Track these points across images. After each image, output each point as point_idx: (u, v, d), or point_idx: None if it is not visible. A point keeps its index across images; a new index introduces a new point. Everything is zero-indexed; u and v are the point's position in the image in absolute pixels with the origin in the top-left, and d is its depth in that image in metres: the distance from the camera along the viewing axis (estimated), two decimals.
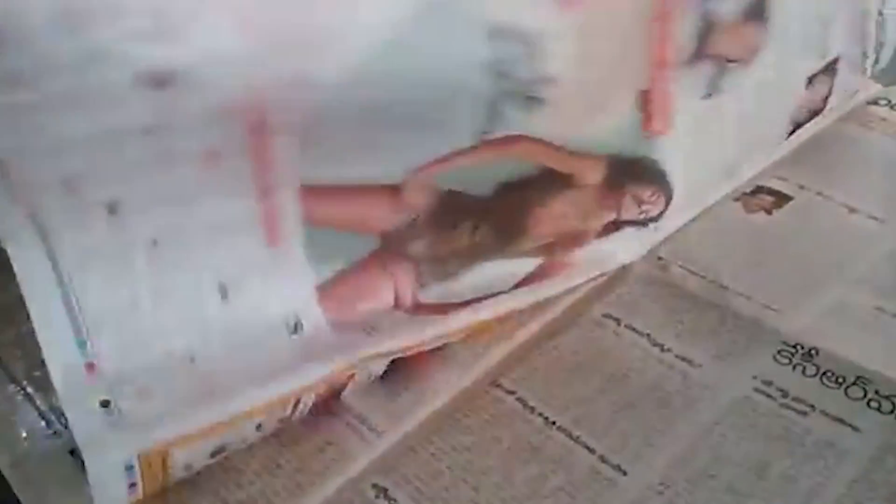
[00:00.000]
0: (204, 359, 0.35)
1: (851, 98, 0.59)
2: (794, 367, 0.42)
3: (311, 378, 0.38)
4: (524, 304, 0.44)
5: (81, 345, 0.33)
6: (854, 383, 0.41)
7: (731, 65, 0.46)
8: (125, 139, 0.31)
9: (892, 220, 0.51)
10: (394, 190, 0.38)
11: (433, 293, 0.42)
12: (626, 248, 0.48)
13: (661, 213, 0.47)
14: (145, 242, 0.33)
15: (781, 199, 0.53)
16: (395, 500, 0.38)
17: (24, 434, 0.41)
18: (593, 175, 0.43)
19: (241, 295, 0.36)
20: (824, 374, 0.41)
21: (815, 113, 0.56)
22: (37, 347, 0.36)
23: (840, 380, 0.41)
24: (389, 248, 0.40)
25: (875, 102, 0.60)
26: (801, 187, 0.54)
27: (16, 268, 0.31)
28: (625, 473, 0.38)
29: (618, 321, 0.45)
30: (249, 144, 0.34)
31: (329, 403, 0.41)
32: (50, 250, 0.32)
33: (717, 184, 0.52)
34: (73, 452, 0.39)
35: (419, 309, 0.41)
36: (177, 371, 0.35)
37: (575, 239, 0.45)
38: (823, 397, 0.40)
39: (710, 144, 0.48)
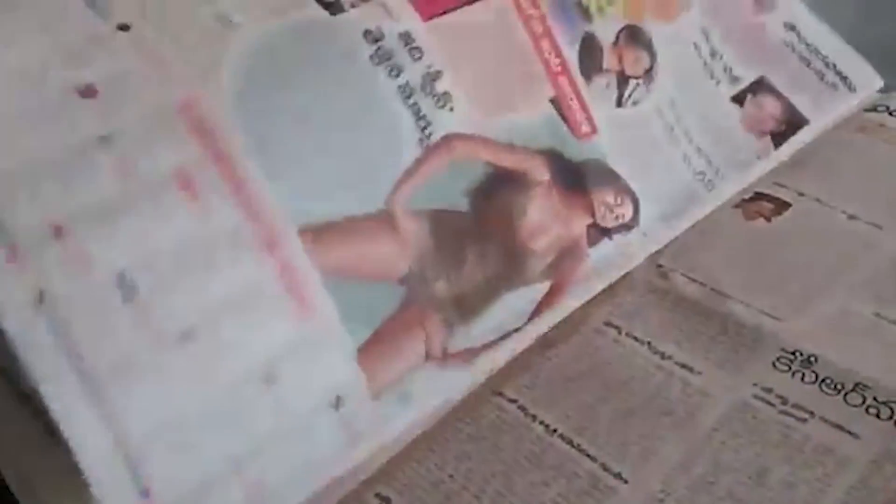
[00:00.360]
0: (253, 463, 0.34)
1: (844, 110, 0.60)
2: (793, 374, 0.42)
3: (350, 465, 0.37)
4: (539, 332, 0.45)
5: (136, 474, 0.32)
6: (853, 390, 0.41)
7: (632, 81, 0.51)
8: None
9: (892, 226, 0.51)
10: (385, 222, 0.40)
11: (459, 340, 0.42)
12: (623, 257, 0.48)
13: (635, 217, 0.49)
14: (175, 337, 0.33)
15: (781, 205, 0.53)
16: None
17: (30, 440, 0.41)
18: (539, 171, 0.46)
19: (287, 377, 0.35)
20: (823, 380, 0.42)
21: (794, 126, 0.57)
22: None
23: (839, 386, 0.41)
24: (416, 297, 0.40)
25: (873, 109, 0.61)
26: (801, 194, 0.54)
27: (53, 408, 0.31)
28: (625, 481, 0.39)
29: (618, 329, 0.46)
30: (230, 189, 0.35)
31: None
32: (83, 374, 0.31)
33: (697, 196, 0.52)
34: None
35: (447, 359, 0.41)
36: (228, 483, 0.34)
37: (572, 251, 0.46)
38: (822, 404, 0.41)
39: (654, 155, 0.51)
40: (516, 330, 0.44)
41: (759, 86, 0.58)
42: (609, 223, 0.48)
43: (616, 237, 0.48)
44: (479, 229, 0.43)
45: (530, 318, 0.45)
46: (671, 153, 0.52)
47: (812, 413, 0.40)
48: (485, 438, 0.41)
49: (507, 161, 0.45)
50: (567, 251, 0.46)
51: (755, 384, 0.42)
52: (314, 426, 0.36)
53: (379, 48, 0.41)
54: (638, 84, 0.52)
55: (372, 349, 0.38)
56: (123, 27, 0.36)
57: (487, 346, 0.43)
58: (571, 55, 0.49)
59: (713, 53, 0.58)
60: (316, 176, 0.38)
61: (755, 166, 0.55)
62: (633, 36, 0.52)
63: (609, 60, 0.51)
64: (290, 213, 0.36)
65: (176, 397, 0.33)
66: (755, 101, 0.57)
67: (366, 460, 0.40)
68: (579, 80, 0.48)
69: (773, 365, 0.43)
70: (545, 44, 0.48)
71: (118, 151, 0.34)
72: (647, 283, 0.48)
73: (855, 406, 0.41)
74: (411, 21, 0.43)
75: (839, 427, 0.40)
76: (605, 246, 0.48)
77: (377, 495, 0.39)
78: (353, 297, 0.38)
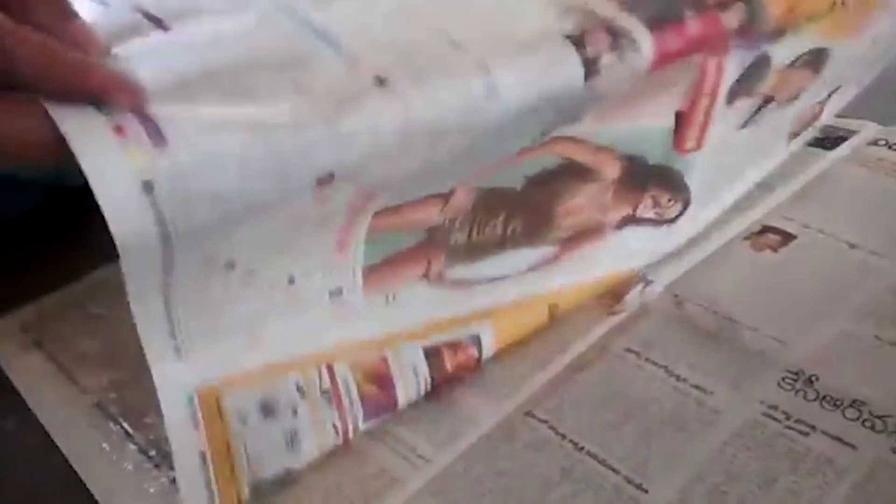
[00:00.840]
0: (262, 328, 0.41)
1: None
2: (796, 393, 0.47)
3: (333, 341, 0.43)
4: (538, 289, 0.49)
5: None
6: (850, 405, 0.46)
7: (771, 104, 0.51)
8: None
9: (892, 254, 0.55)
10: (443, 197, 0.44)
11: (458, 273, 0.47)
12: (638, 247, 0.53)
13: (676, 217, 0.52)
14: (222, 266, 0.38)
15: (787, 237, 0.58)
16: None
17: (129, 467, 0.47)
18: (612, 170, 0.47)
19: (305, 282, 0.41)
20: (824, 398, 0.46)
21: (808, 124, 0.61)
22: (130, 392, 0.43)
23: (838, 402, 0.46)
24: (433, 241, 0.45)
25: (875, 143, 0.65)
26: (805, 226, 0.58)
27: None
28: (646, 491, 0.43)
29: (638, 354, 0.50)
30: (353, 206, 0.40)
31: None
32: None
33: (725, 190, 0.57)
34: (175, 482, 0.45)
35: (441, 282, 0.46)
36: (237, 332, 0.40)
37: (594, 231, 0.50)
38: (823, 419, 0.45)
39: (726, 164, 0.54)
40: (510, 275, 0.49)
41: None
42: (646, 214, 0.51)
43: (642, 225, 0.52)
44: (519, 203, 0.46)
45: (527, 270, 0.49)
46: (749, 173, 0.55)
47: (814, 427, 0.45)
48: (520, 456, 0.46)
49: (588, 159, 0.46)
50: (588, 231, 0.50)
51: (762, 402, 0.47)
52: (312, 307, 0.42)
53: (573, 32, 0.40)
54: (774, 107, 0.50)
55: (377, 268, 0.44)
56: None
57: (480, 282, 0.48)
58: (732, 74, 0.46)
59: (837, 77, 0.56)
60: (418, 182, 0.41)
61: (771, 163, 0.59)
62: (814, 60, 0.50)
63: (768, 83, 0.48)
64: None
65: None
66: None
67: (415, 475, 0.45)
68: (720, 102, 0.47)
69: (779, 384, 0.47)
70: (711, 64, 0.45)
71: None
72: (663, 312, 0.53)
73: (852, 420, 0.45)
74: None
75: (838, 439, 0.44)
76: (624, 232, 0.51)
77: None
78: (381, 241, 0.43)
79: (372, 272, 0.44)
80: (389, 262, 0.45)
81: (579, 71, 0.39)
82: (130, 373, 0.51)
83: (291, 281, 0.41)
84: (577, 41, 0.40)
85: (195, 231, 0.34)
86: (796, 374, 0.48)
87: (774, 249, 0.57)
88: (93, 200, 0.31)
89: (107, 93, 0.31)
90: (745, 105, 0.49)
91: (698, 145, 0.48)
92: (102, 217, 0.31)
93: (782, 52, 0.48)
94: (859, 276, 0.54)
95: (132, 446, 0.48)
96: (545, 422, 0.47)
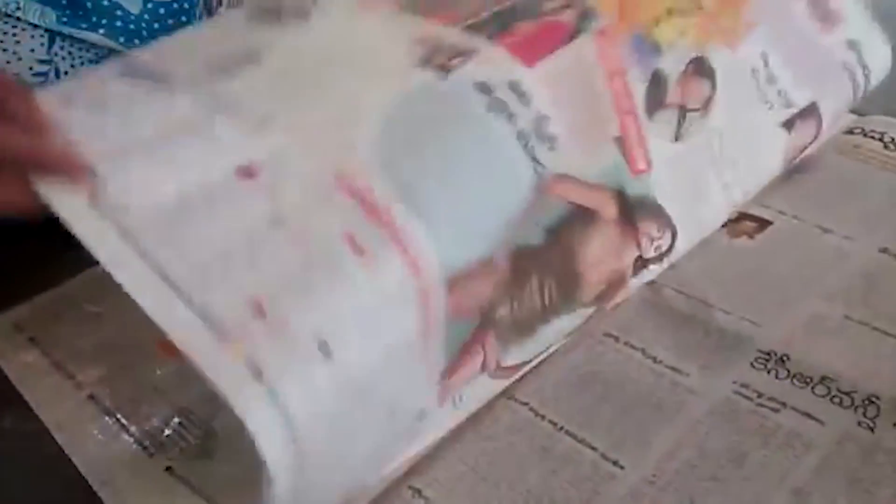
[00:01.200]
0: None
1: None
2: (768, 372, 0.48)
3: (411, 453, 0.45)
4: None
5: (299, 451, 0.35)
6: (819, 382, 0.47)
7: (690, 113, 0.53)
8: None
9: (863, 238, 0.57)
10: (491, 262, 0.42)
11: (512, 356, 0.47)
12: (650, 276, 0.54)
13: (671, 247, 0.53)
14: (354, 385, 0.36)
15: (763, 224, 0.59)
16: (427, 499, 0.45)
17: (125, 457, 0.48)
18: (610, 209, 0.48)
19: (388, 394, 0.39)
20: (794, 376, 0.48)
21: (803, 149, 0.62)
22: (124, 384, 0.44)
23: (808, 380, 0.47)
24: (485, 324, 0.43)
25: (850, 132, 0.67)
26: (781, 213, 0.60)
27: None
28: (622, 468, 0.45)
29: (616, 339, 0.52)
30: None
31: None
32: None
33: (718, 220, 0.58)
34: (169, 469, 0.47)
35: (499, 371, 0.47)
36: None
37: (619, 282, 0.51)
38: (793, 396, 0.47)
39: (697, 187, 0.54)
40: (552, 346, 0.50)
41: (809, 111, 0.60)
42: (650, 254, 0.51)
43: (652, 267, 0.53)
44: (546, 262, 0.45)
45: (571, 334, 0.50)
46: (713, 185, 0.55)
47: (784, 404, 0.47)
48: (501, 437, 0.47)
49: (589, 200, 0.47)
50: (615, 282, 0.51)
51: (735, 381, 0.48)
52: (401, 431, 0.43)
53: (492, 98, 0.43)
54: (696, 116, 0.53)
55: (453, 368, 0.42)
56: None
57: (533, 360, 0.49)
58: (640, 93, 0.49)
59: (770, 79, 0.57)
60: (456, 224, 0.40)
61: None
62: (699, 68, 0.53)
63: (673, 95, 0.52)
64: (443, 265, 0.39)
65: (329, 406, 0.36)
66: (803, 125, 0.59)
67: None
68: (643, 117, 0.50)
69: (751, 365, 0.49)
70: (618, 84, 0.48)
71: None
72: (641, 298, 0.55)
73: (821, 396, 0.47)
74: (517, 69, 0.44)
75: (807, 415, 0.46)
76: (642, 275, 0.52)
77: (410, 487, 0.46)
78: (449, 332, 0.40)
79: (449, 375, 0.42)
80: (455, 363, 0.42)
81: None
82: (124, 367, 0.52)
83: (391, 413, 0.40)
84: (426, 63, 0.44)
85: None
86: (768, 354, 0.49)
87: (751, 236, 0.59)
88: None
89: (62, 171, 0.40)
90: (665, 116, 0.51)
91: (648, 165, 0.50)
92: None
93: (669, 63, 0.51)
94: (832, 259, 0.56)
95: (127, 437, 0.49)
96: (525, 404, 0.49)
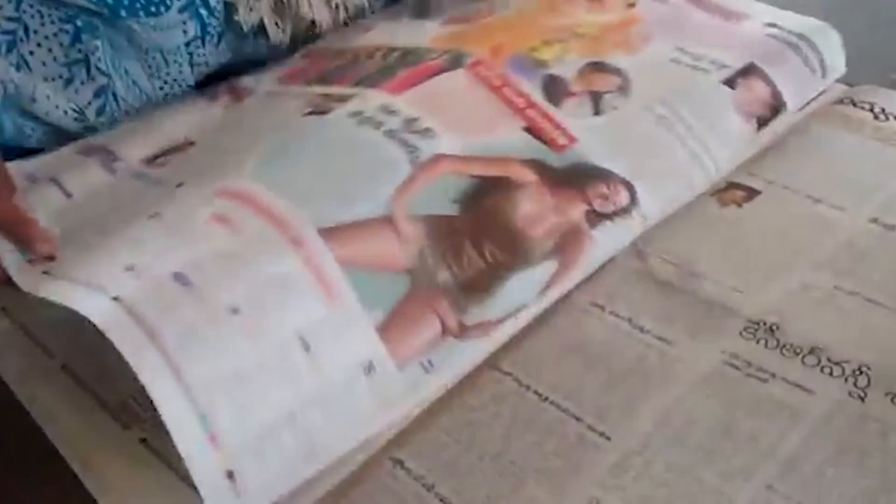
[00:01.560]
0: (303, 413, 0.42)
1: (818, 96, 0.66)
2: (757, 341, 0.47)
3: (382, 426, 0.44)
4: (548, 304, 0.51)
5: (203, 420, 0.39)
6: (810, 353, 0.46)
7: (606, 94, 0.58)
8: None
9: (852, 207, 0.56)
10: (387, 223, 0.48)
11: (474, 315, 0.48)
12: (625, 233, 0.54)
13: (632, 202, 0.54)
14: (226, 310, 0.42)
15: (752, 193, 0.58)
16: (409, 470, 0.44)
17: (100, 430, 0.47)
18: (525, 174, 0.52)
19: (320, 344, 0.43)
20: (784, 346, 0.47)
21: (775, 109, 0.62)
22: (97, 354, 0.43)
23: (797, 350, 0.47)
24: (420, 287, 0.47)
25: (840, 102, 0.66)
26: (770, 182, 0.59)
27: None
28: (608, 439, 0.44)
29: (602, 308, 0.51)
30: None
31: None
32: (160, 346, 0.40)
33: (689, 176, 0.58)
34: (144, 441, 0.46)
35: (465, 332, 0.48)
36: (283, 432, 0.41)
37: (574, 234, 0.52)
38: (783, 366, 0.46)
39: (648, 143, 0.57)
40: (529, 304, 0.50)
41: (750, 71, 0.62)
42: (608, 209, 0.53)
43: (617, 220, 0.53)
44: (473, 227, 0.50)
45: (543, 291, 0.50)
46: (665, 139, 0.57)
47: (773, 374, 0.46)
48: (485, 407, 0.46)
49: (494, 170, 0.52)
50: (569, 234, 0.52)
51: (723, 351, 0.47)
52: (352, 387, 0.43)
53: (361, 119, 0.52)
54: (613, 95, 0.58)
55: (391, 326, 0.45)
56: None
57: (504, 319, 0.49)
58: (534, 92, 0.57)
59: (696, 57, 0.63)
60: (325, 194, 0.48)
61: (741, 150, 0.60)
62: (598, 67, 0.60)
63: (576, 85, 0.58)
64: (307, 215, 0.46)
65: (234, 362, 0.41)
66: (746, 83, 0.61)
67: (383, 429, 0.45)
68: (547, 106, 0.56)
69: (740, 334, 0.48)
70: (506, 91, 0.56)
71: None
72: (628, 267, 0.54)
73: (811, 366, 0.46)
74: (385, 98, 0.54)
75: (797, 385, 0.45)
76: (608, 227, 0.53)
77: (391, 458, 0.45)
78: (365, 284, 0.45)
79: (388, 334, 0.45)
80: (395, 318, 0.45)
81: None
82: (96, 337, 0.51)
83: (307, 347, 0.43)
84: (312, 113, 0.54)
85: None
86: (757, 323, 0.48)
87: (739, 205, 0.58)
88: None
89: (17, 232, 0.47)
90: (575, 102, 0.57)
91: (570, 140, 0.55)
92: None
93: (559, 70, 0.59)
94: (820, 228, 0.55)
95: (101, 409, 0.48)
96: (510, 374, 0.48)
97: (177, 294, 0.42)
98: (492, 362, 0.49)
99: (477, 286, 0.48)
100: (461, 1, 0.68)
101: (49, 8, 0.64)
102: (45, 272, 0.46)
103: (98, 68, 0.67)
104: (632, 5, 0.67)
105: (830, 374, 0.45)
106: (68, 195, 0.54)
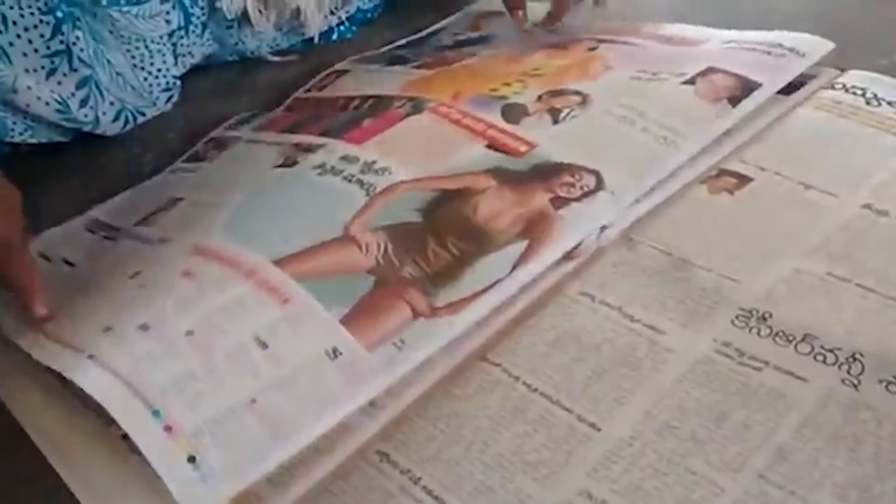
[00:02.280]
0: (263, 397, 0.43)
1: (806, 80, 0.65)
2: (749, 330, 0.47)
3: (360, 402, 0.44)
4: (527, 279, 0.50)
5: (156, 413, 0.42)
6: (802, 340, 0.46)
7: (566, 109, 0.61)
8: None
9: (845, 193, 0.55)
10: (343, 240, 0.51)
11: (444, 297, 0.49)
12: (595, 210, 0.54)
13: (599, 184, 0.55)
14: (180, 336, 0.45)
15: (743, 180, 0.58)
16: (395, 463, 0.43)
17: (82, 427, 0.46)
18: (483, 181, 0.55)
19: (278, 341, 0.45)
20: (776, 334, 0.46)
21: (749, 90, 0.61)
22: None
23: (790, 338, 0.46)
24: (386, 282, 0.49)
25: (831, 87, 0.65)
26: (762, 168, 0.58)
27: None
28: (599, 429, 0.43)
29: (592, 297, 0.50)
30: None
31: None
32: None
33: (661, 154, 0.57)
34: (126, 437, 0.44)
35: (436, 312, 0.48)
36: (244, 414, 0.42)
37: (540, 216, 0.53)
38: (775, 354, 0.45)
39: (609, 137, 0.59)
40: (500, 281, 0.49)
41: (708, 71, 0.63)
42: (575, 194, 0.54)
43: (585, 200, 0.54)
44: (435, 229, 0.52)
45: (513, 269, 0.50)
46: (628, 131, 0.59)
47: (766, 362, 0.45)
48: (473, 398, 0.46)
49: (452, 184, 0.55)
50: (535, 217, 0.53)
51: (715, 340, 0.46)
52: (317, 371, 0.44)
53: (323, 169, 0.57)
54: (571, 109, 0.61)
55: (356, 317, 0.47)
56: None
57: (476, 296, 0.49)
58: (494, 118, 0.60)
59: (655, 73, 0.64)
60: (282, 233, 0.51)
61: (716, 124, 0.60)
62: (556, 92, 0.63)
63: (535, 107, 0.61)
64: (262, 254, 0.50)
65: (186, 365, 0.44)
66: (706, 79, 0.62)
67: (368, 422, 0.45)
68: (506, 125, 0.60)
69: (732, 322, 0.47)
70: (466, 121, 0.61)
71: None
72: (619, 256, 0.53)
73: (804, 354, 0.45)
74: (346, 148, 0.58)
75: (790, 373, 0.44)
76: (575, 207, 0.53)
77: (378, 452, 0.44)
78: (325, 287, 0.48)
79: (354, 323, 0.46)
80: (362, 309, 0.47)
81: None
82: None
83: (264, 346, 0.45)
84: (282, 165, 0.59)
85: None
86: (749, 311, 0.48)
87: (731, 192, 0.57)
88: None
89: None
90: (533, 119, 0.60)
91: (530, 146, 0.58)
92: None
93: (519, 99, 0.62)
94: (812, 215, 0.54)
95: (82, 406, 0.47)
96: (498, 365, 0.47)
97: (137, 339, 0.45)
98: (479, 353, 0.48)
99: (444, 274, 0.50)
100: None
101: None
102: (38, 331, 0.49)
103: (80, 59, 0.66)
104: (592, 49, 0.70)
105: (824, 361, 0.44)
106: (71, 265, 0.58)
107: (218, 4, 0.74)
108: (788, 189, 0.56)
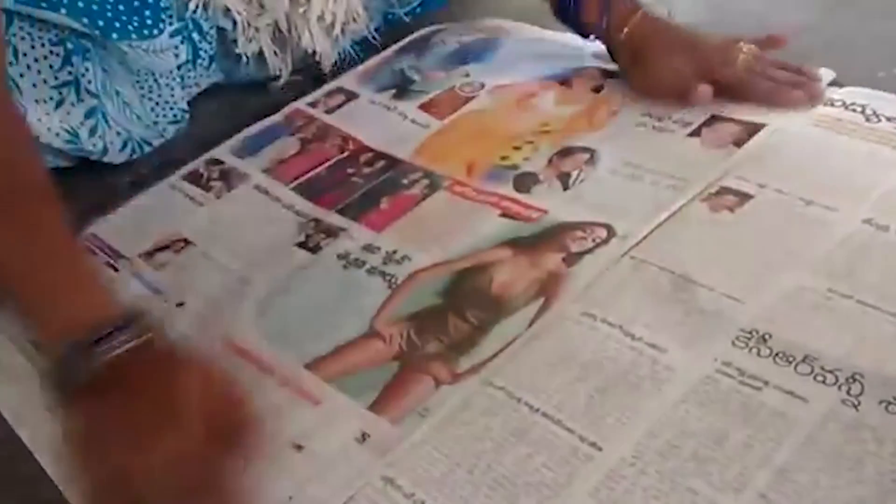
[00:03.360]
0: (299, 492, 0.45)
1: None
2: (750, 350, 0.47)
3: (384, 465, 0.45)
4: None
5: None
6: (803, 360, 0.46)
7: (573, 172, 0.63)
8: None
9: (846, 209, 0.55)
10: (370, 336, 0.53)
11: (465, 363, 0.50)
12: (606, 257, 0.55)
13: (609, 234, 0.56)
14: None
15: (744, 197, 0.58)
16: (400, 487, 0.44)
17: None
18: (498, 254, 0.57)
19: (312, 442, 0.47)
20: (777, 354, 0.46)
21: (752, 132, 0.63)
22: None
23: (790, 358, 0.46)
24: (410, 363, 0.51)
25: (831, 104, 0.65)
26: (762, 186, 0.58)
27: None
28: (600, 449, 0.43)
29: (594, 317, 0.51)
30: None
31: None
32: None
33: (667, 198, 0.59)
34: None
35: (458, 378, 0.49)
36: None
37: (555, 276, 0.54)
38: (776, 374, 0.45)
39: (618, 193, 0.61)
40: (519, 337, 0.51)
41: (712, 120, 0.65)
42: (587, 246, 0.56)
43: (597, 250, 0.55)
44: (455, 307, 0.54)
45: (530, 325, 0.51)
46: (636, 186, 0.61)
47: (767, 382, 0.45)
48: (476, 422, 0.46)
49: (467, 264, 0.57)
50: (549, 278, 0.54)
51: (716, 359, 0.47)
52: (347, 456, 0.46)
53: (347, 261, 0.60)
54: (580, 171, 0.63)
55: (382, 401, 0.49)
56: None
57: (495, 355, 0.50)
58: (507, 190, 0.63)
59: (660, 118, 0.66)
60: (312, 333, 0.54)
61: (720, 165, 0.61)
62: (564, 153, 0.65)
63: (545, 174, 0.64)
64: (294, 358, 0.52)
65: None
66: (711, 129, 0.64)
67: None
68: (519, 197, 0.62)
69: (733, 343, 0.48)
70: (481, 196, 0.63)
71: None
72: (621, 275, 0.53)
73: (804, 375, 0.45)
74: (370, 235, 0.61)
75: (790, 393, 0.44)
76: (587, 260, 0.55)
77: (383, 478, 0.44)
78: (353, 382, 0.51)
79: (381, 406, 0.48)
80: (388, 393, 0.49)
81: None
82: None
83: (299, 448, 0.47)
84: (304, 245, 0.62)
85: None
86: (751, 332, 0.48)
87: (731, 210, 0.57)
88: None
89: None
90: (544, 186, 0.63)
91: (541, 212, 0.60)
92: None
93: (529, 167, 0.65)
94: (814, 231, 0.54)
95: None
96: (502, 388, 0.48)
97: None
98: (483, 377, 0.48)
99: (464, 342, 0.52)
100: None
101: (39, 31, 0.64)
102: None
103: (88, 90, 0.67)
104: (597, 90, 0.72)
105: (824, 382, 0.45)
106: None
107: (236, 50, 0.75)
108: (789, 205, 0.57)
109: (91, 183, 0.70)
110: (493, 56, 0.79)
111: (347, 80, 0.79)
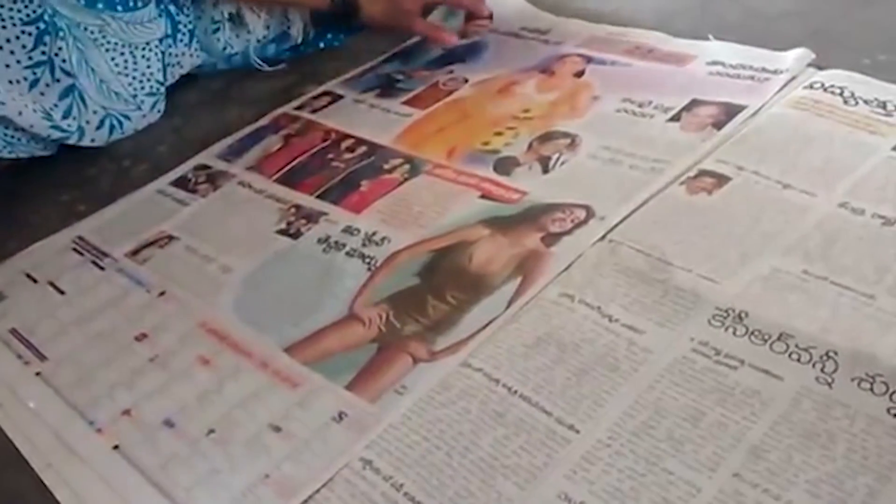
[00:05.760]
0: (276, 471, 0.45)
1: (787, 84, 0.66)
2: (726, 329, 0.47)
3: (363, 445, 0.45)
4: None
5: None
6: (778, 339, 0.46)
7: (554, 155, 0.64)
8: None
9: (822, 192, 0.56)
10: (349, 318, 0.53)
11: (442, 342, 0.50)
12: (585, 236, 0.55)
13: (588, 215, 0.57)
14: (203, 434, 0.48)
15: (722, 180, 0.58)
16: (378, 469, 0.44)
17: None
18: (476, 232, 0.58)
19: (290, 423, 0.47)
20: (752, 333, 0.47)
21: (731, 114, 0.64)
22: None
23: (766, 337, 0.46)
24: (389, 344, 0.51)
25: (810, 87, 0.65)
26: (740, 168, 0.59)
27: None
28: (577, 431, 0.44)
29: (571, 298, 0.51)
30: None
31: None
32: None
33: (647, 180, 0.59)
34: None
35: (435, 356, 0.50)
36: (258, 489, 0.45)
37: (533, 254, 0.55)
38: (751, 353, 0.46)
39: (597, 176, 0.61)
40: (496, 318, 0.51)
41: (692, 104, 0.66)
42: (566, 227, 0.56)
43: (576, 231, 0.56)
44: (433, 287, 0.54)
45: (508, 306, 0.51)
46: (616, 169, 0.61)
47: (742, 361, 0.46)
48: (454, 404, 0.46)
49: (447, 241, 0.57)
50: (528, 255, 0.55)
51: (692, 339, 0.47)
52: (325, 435, 0.47)
53: (328, 244, 0.60)
54: (560, 155, 0.64)
55: (360, 380, 0.49)
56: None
57: (473, 335, 0.50)
58: (487, 171, 0.63)
59: (641, 104, 0.67)
60: (292, 316, 0.54)
61: (700, 147, 0.61)
62: (545, 137, 0.66)
63: (525, 158, 0.64)
64: (273, 341, 0.53)
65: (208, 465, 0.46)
66: (691, 113, 0.65)
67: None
68: (498, 177, 0.63)
69: (709, 322, 0.48)
70: (461, 178, 0.63)
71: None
72: (599, 257, 0.53)
73: (780, 353, 0.45)
74: (346, 218, 0.62)
75: (766, 372, 0.45)
76: (566, 241, 0.55)
77: (361, 459, 0.44)
78: (331, 364, 0.51)
79: (358, 386, 0.49)
80: (365, 374, 0.49)
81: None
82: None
83: (277, 430, 0.47)
84: (285, 231, 0.62)
85: None
86: (726, 311, 0.48)
87: (709, 192, 0.57)
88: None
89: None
90: (524, 168, 0.63)
91: (521, 193, 0.61)
92: None
93: (509, 152, 0.65)
94: (790, 214, 0.55)
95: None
96: (480, 370, 0.48)
97: (165, 436, 0.48)
98: (462, 357, 0.49)
99: (443, 322, 0.52)
100: None
101: (10, 10, 0.63)
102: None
103: (63, 69, 0.66)
104: (579, 74, 0.73)
105: (798, 360, 0.45)
106: (62, 293, 0.60)
107: (213, 17, 0.75)
108: (766, 188, 0.57)
109: (79, 186, 0.70)
110: (478, 57, 0.80)
111: (333, 85, 0.80)
